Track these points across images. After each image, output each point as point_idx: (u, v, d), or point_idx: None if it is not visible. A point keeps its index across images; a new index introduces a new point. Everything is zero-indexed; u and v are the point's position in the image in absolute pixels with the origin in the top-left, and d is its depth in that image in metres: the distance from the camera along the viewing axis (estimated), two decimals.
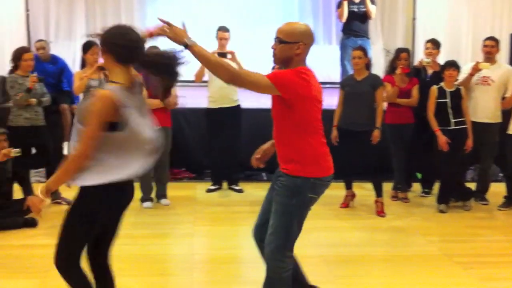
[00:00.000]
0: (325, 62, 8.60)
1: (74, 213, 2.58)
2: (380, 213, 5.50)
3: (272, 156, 3.10)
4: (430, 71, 6.14)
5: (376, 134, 5.39)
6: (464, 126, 5.59)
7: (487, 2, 9.28)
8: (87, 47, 5.29)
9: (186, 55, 2.58)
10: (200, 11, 9.10)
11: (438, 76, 5.82)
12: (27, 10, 8.73)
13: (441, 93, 5.61)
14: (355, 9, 7.42)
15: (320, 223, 5.03)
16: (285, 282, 2.92)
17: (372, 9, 7.42)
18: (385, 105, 5.89)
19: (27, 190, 5.32)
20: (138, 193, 5.68)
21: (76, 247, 2.63)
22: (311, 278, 3.26)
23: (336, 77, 8.15)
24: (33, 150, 5.58)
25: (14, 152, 4.90)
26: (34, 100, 5.43)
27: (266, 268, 2.95)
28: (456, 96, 5.61)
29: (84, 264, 2.73)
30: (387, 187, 5.98)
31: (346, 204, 5.78)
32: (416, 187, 6.48)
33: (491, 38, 6.03)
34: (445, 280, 3.92)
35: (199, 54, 2.65)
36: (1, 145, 4.97)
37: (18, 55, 5.44)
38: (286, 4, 9.45)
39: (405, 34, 9.43)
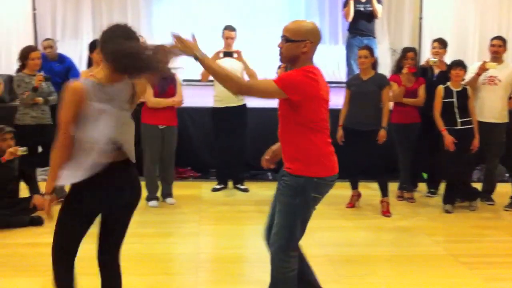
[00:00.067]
0: (331, 62, 8.61)
1: (61, 209, 2.65)
2: (386, 213, 5.49)
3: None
4: (436, 71, 6.12)
5: (382, 134, 5.37)
6: (470, 126, 5.57)
7: (494, 1, 9.25)
8: (94, 46, 5.30)
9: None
10: (206, 9, 9.12)
11: (444, 76, 5.80)
12: (34, 9, 8.78)
13: (448, 92, 5.60)
14: (361, 8, 7.41)
15: (325, 222, 5.02)
16: (290, 282, 2.91)
17: (378, 8, 7.40)
18: (391, 104, 5.87)
19: (34, 188, 5.35)
20: (143, 192, 5.67)
21: (64, 242, 2.66)
22: None
23: (342, 76, 8.15)
24: (40, 149, 5.60)
25: (21, 150, 4.92)
26: (40, 99, 5.45)
27: (271, 269, 2.94)
28: (463, 95, 5.59)
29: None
30: (393, 187, 5.97)
31: (352, 204, 5.77)
32: (422, 187, 6.47)
33: (498, 38, 6.00)
34: (450, 280, 3.91)
35: (208, 67, 2.71)
36: (7, 143, 4.99)
37: (25, 54, 5.47)
38: (292, 3, 9.45)
39: (412, 34, 9.41)
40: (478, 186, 6.08)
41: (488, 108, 5.82)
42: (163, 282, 3.81)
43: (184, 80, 6.16)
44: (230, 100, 6.08)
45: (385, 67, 7.63)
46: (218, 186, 6.41)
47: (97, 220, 2.73)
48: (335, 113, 5.07)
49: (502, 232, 5.14)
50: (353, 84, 5.59)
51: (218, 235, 4.94)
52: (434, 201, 6.05)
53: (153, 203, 5.65)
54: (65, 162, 2.53)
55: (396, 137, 5.93)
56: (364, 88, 5.45)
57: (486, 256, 4.46)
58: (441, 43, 6.17)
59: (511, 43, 6.34)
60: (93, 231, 2.74)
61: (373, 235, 4.91)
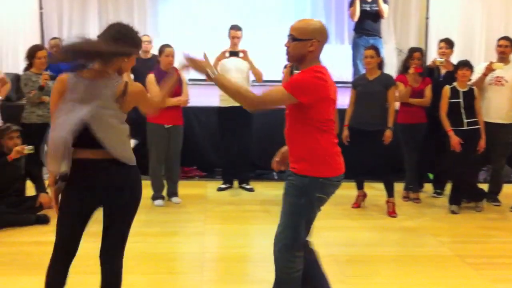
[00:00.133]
0: (337, 62, 8.59)
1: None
2: (392, 213, 5.47)
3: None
4: (443, 71, 6.10)
5: (388, 134, 5.36)
6: (477, 127, 5.55)
7: (501, 1, 9.21)
8: None
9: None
10: (213, 9, 9.11)
11: (451, 76, 5.79)
12: (41, 8, 8.81)
13: (454, 93, 5.58)
14: (368, 8, 7.40)
15: (331, 222, 5.02)
16: (294, 282, 2.90)
17: (384, 8, 7.39)
18: (397, 104, 5.86)
19: (40, 187, 5.36)
20: (149, 191, 5.71)
21: (57, 241, 2.71)
22: None
23: (348, 76, 8.13)
24: (46, 147, 5.61)
25: (27, 149, 4.93)
26: (47, 98, 5.47)
27: (275, 269, 2.93)
28: (469, 96, 5.57)
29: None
30: (399, 187, 5.96)
31: (357, 204, 5.77)
32: (428, 187, 6.45)
33: (505, 38, 5.98)
34: (456, 281, 3.90)
35: (221, 85, 2.75)
36: (14, 142, 5.01)
37: (32, 53, 5.49)
38: (298, 3, 9.44)
39: (418, 34, 9.38)
40: (484, 187, 6.06)
41: (495, 109, 5.80)
42: (168, 281, 3.81)
43: (190, 80, 6.17)
44: None
45: (391, 67, 7.61)
46: (223, 186, 6.41)
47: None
48: (341, 113, 5.06)
49: (508, 233, 5.12)
50: (359, 84, 5.58)
51: (223, 234, 4.94)
52: (440, 202, 6.04)
53: (158, 202, 5.66)
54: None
55: (402, 137, 5.92)
56: (370, 88, 5.44)
57: (492, 257, 4.44)
58: (448, 43, 6.15)
59: None
60: (99, 230, 2.74)
61: (378, 236, 4.90)
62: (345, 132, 5.51)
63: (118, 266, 2.80)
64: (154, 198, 5.69)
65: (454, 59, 6.16)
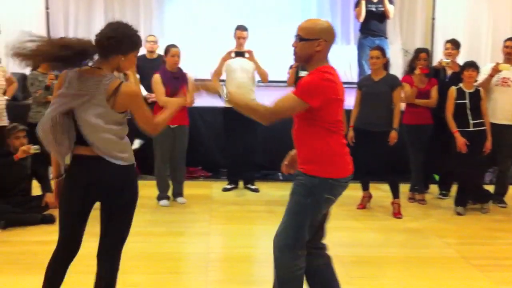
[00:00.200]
0: (342, 62, 8.58)
1: None
2: (397, 214, 5.46)
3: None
4: (449, 72, 6.09)
5: (393, 135, 5.35)
6: (483, 128, 5.54)
7: (507, 2, 9.16)
8: None
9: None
10: (219, 9, 9.11)
11: (457, 77, 5.77)
12: (47, 8, 8.82)
13: (460, 94, 5.56)
14: (373, 9, 7.39)
15: (336, 223, 4.96)
16: (297, 281, 2.85)
17: (390, 8, 7.38)
18: (403, 105, 5.85)
19: (46, 186, 5.38)
20: (154, 191, 5.72)
21: (59, 237, 2.78)
22: None
23: (354, 77, 8.12)
24: None
25: (34, 149, 4.94)
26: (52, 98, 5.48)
27: (274, 267, 2.87)
28: (475, 97, 5.56)
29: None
30: (404, 188, 5.94)
31: (363, 205, 5.75)
32: (434, 189, 6.43)
33: None
34: (462, 283, 3.89)
35: (233, 104, 2.80)
36: (20, 141, 5.03)
37: None
38: (304, 3, 9.43)
39: (424, 34, 9.34)
40: (490, 188, 6.04)
41: (501, 110, 5.78)
42: (173, 281, 3.81)
43: (196, 80, 6.16)
44: None
45: (397, 68, 7.58)
46: (228, 186, 6.41)
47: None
48: (346, 113, 5.03)
49: None
50: (364, 85, 5.57)
51: (228, 234, 4.94)
52: (446, 203, 6.02)
53: (163, 202, 5.67)
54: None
55: (408, 138, 5.90)
56: (375, 88, 5.43)
57: (498, 258, 4.43)
58: (454, 44, 6.13)
59: None
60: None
61: (384, 237, 4.89)
62: (350, 133, 5.50)
63: (113, 266, 2.77)
64: (159, 198, 5.70)
65: (460, 60, 6.14)
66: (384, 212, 5.60)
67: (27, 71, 5.82)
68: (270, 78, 6.33)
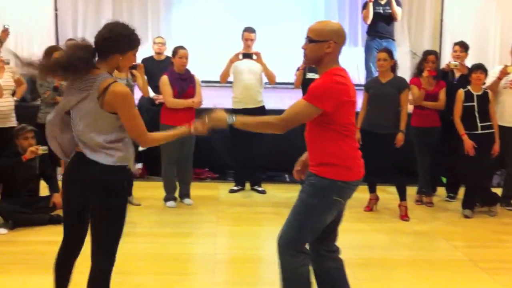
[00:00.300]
0: (350, 64, 8.57)
1: None
2: (404, 217, 5.45)
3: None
4: (457, 74, 6.07)
5: (400, 138, 5.34)
6: (491, 131, 5.51)
7: None
8: None
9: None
10: (226, 11, 9.12)
11: (465, 79, 5.75)
12: (56, 9, 8.87)
13: (468, 96, 5.54)
14: (381, 11, 7.38)
15: (343, 225, 4.93)
16: (302, 277, 2.83)
17: (397, 10, 7.37)
18: (411, 108, 5.83)
19: (54, 187, 5.39)
20: (161, 192, 5.73)
21: (63, 238, 2.84)
22: None
23: (361, 79, 8.11)
24: None
25: (42, 149, 4.95)
26: (61, 99, 5.50)
27: (279, 268, 2.85)
28: (483, 99, 5.54)
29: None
30: (412, 191, 5.92)
31: (370, 208, 5.74)
32: (441, 191, 6.40)
33: None
34: (469, 286, 3.88)
35: (243, 126, 2.88)
36: (29, 142, 5.05)
37: (48, 54, 5.52)
38: (312, 6, 9.43)
39: (432, 36, 9.32)
40: (498, 191, 6.01)
41: (509, 113, 5.76)
42: (180, 282, 3.82)
43: (203, 81, 6.18)
44: (249, 102, 6.09)
45: (405, 70, 7.57)
46: (235, 188, 6.41)
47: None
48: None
49: None
50: (372, 87, 5.56)
51: (235, 236, 4.95)
52: (453, 206, 6.00)
53: (170, 203, 5.68)
54: None
55: (415, 140, 5.88)
56: (383, 91, 5.42)
57: (506, 262, 4.41)
58: (462, 47, 6.11)
59: None
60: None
61: (391, 239, 4.88)
62: (357, 135, 5.48)
63: (100, 268, 2.73)
64: (166, 199, 5.71)
65: (469, 62, 6.12)
66: (391, 215, 5.58)
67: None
68: (277, 80, 6.33)
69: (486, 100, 5.54)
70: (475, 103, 5.51)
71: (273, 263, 4.00)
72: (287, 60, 7.21)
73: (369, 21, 7.44)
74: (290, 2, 9.35)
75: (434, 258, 4.42)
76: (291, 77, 6.24)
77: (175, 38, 8.21)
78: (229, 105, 6.31)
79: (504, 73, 5.67)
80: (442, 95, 5.82)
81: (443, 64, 6.81)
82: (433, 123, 5.86)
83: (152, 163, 6.07)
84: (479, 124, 5.49)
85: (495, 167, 6.10)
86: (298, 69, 6.02)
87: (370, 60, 7.36)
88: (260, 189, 6.41)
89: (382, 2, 7.38)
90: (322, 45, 2.74)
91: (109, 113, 2.61)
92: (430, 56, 5.88)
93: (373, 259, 4.35)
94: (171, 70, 5.66)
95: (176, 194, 5.81)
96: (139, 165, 6.58)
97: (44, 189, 5.40)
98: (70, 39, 7.47)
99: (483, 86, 5.61)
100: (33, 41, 8.44)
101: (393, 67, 5.49)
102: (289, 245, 2.81)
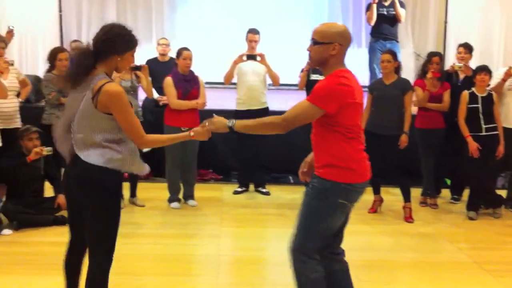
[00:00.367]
0: (354, 66, 8.54)
1: None
2: (408, 218, 5.44)
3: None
4: (462, 76, 6.06)
5: (404, 139, 5.33)
6: (495, 132, 5.50)
7: None
8: None
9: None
10: (230, 12, 9.13)
11: (470, 81, 5.74)
12: (60, 10, 8.89)
13: (473, 98, 5.53)
14: (384, 12, 7.38)
15: (347, 227, 4.96)
16: (316, 283, 2.82)
17: (401, 12, 7.37)
18: (415, 109, 5.82)
19: (58, 188, 5.40)
20: (166, 193, 5.74)
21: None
22: None
23: (365, 80, 8.09)
24: None
25: (46, 150, 4.97)
26: (66, 100, 5.51)
27: (293, 273, 2.87)
28: (488, 101, 5.52)
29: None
30: (416, 192, 5.91)
31: (374, 209, 5.74)
32: (446, 193, 6.39)
33: None
34: None
35: (243, 129, 2.89)
36: (33, 143, 5.06)
37: (53, 55, 5.54)
38: (316, 8, 9.42)
39: (436, 38, 9.29)
40: (503, 193, 6.00)
41: None
42: (184, 283, 3.82)
43: (207, 83, 6.18)
44: (253, 103, 6.09)
45: (409, 72, 7.55)
46: (239, 189, 6.42)
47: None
48: None
49: None
50: (376, 88, 5.55)
51: (239, 237, 4.95)
52: (458, 208, 5.98)
53: (174, 204, 5.69)
54: None
55: (419, 142, 5.88)
56: (386, 92, 5.41)
57: (511, 264, 4.39)
58: (467, 48, 6.10)
59: None
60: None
61: (395, 241, 4.88)
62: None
63: (92, 269, 2.71)
64: (170, 200, 5.72)
65: (473, 63, 6.11)
66: (395, 216, 5.57)
67: (40, 73, 5.86)
68: (281, 81, 6.33)
69: (491, 101, 5.53)
70: (479, 105, 5.50)
71: (277, 264, 4.03)
72: (291, 62, 7.21)
73: (372, 23, 7.44)
74: (294, 4, 9.35)
75: (439, 260, 4.42)
76: (295, 79, 6.25)
77: (179, 40, 8.22)
78: (233, 107, 6.32)
79: (508, 74, 5.65)
80: (446, 96, 5.82)
81: (447, 65, 6.79)
82: (437, 124, 5.85)
83: (157, 164, 6.07)
84: (483, 126, 5.48)
85: (499, 169, 6.08)
86: (302, 71, 6.02)
87: (374, 61, 7.35)
88: (264, 190, 6.41)
89: (386, 4, 7.38)
90: (327, 47, 2.73)
91: (104, 113, 2.62)
92: (434, 58, 5.88)
93: (377, 261, 4.34)
94: (175, 71, 5.67)
95: (180, 196, 5.82)
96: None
97: (48, 190, 5.42)
98: (74, 41, 7.52)
99: (488, 88, 5.60)
100: (37, 42, 8.47)
101: (397, 69, 5.49)
102: (298, 250, 2.82)
